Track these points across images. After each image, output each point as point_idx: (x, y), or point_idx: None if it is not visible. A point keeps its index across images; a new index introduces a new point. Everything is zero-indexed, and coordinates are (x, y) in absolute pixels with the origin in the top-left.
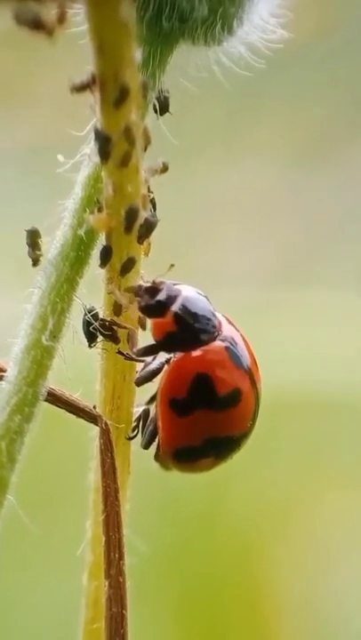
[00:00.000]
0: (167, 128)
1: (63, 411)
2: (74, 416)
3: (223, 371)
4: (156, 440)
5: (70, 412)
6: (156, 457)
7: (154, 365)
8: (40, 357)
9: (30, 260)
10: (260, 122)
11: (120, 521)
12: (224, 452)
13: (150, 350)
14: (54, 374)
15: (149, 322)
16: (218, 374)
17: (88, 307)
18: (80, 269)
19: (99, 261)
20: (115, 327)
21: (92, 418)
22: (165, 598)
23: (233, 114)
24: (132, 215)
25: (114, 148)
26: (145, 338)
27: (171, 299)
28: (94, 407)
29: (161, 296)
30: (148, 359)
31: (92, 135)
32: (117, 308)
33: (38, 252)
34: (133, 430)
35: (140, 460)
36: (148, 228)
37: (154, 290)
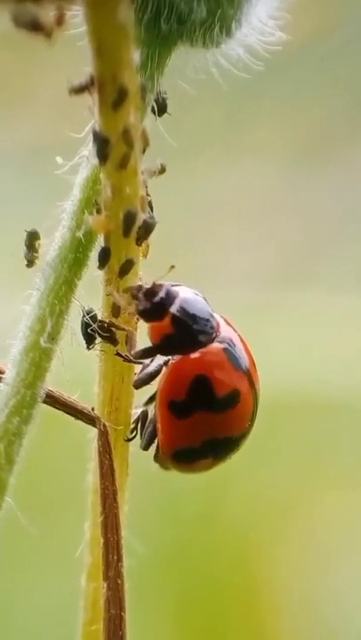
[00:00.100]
0: (166, 129)
1: (61, 412)
2: (72, 418)
3: (222, 372)
4: (156, 441)
5: (69, 413)
6: (156, 458)
7: (152, 368)
8: (38, 359)
9: (27, 261)
10: (258, 123)
11: (118, 523)
12: (223, 452)
13: (148, 352)
14: (53, 376)
15: (147, 325)
16: (216, 376)
17: (86, 308)
18: (78, 271)
19: (97, 263)
20: (113, 329)
21: (90, 420)
22: (164, 600)
23: (232, 115)
24: (130, 218)
25: (112, 149)
26: (144, 339)
27: (169, 301)
28: (93, 409)
29: (159, 298)
30: (147, 361)
31: (91, 137)
32: (116, 310)
33: (35, 254)
34: (132, 432)
35: (138, 461)
36: (147, 229)
37: (152, 292)
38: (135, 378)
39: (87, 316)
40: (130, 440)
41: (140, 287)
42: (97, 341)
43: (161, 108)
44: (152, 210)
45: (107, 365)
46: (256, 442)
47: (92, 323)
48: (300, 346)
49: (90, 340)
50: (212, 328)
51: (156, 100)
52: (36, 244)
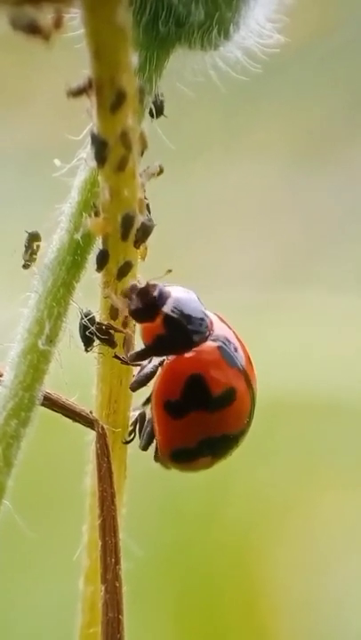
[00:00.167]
0: (164, 132)
1: (60, 415)
2: (70, 420)
3: (217, 371)
4: (155, 441)
5: (67, 416)
6: (156, 458)
7: (148, 369)
8: (36, 362)
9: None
10: (257, 125)
11: (116, 525)
12: (222, 450)
13: (143, 354)
14: (51, 378)
15: (139, 326)
16: (211, 374)
17: (85, 311)
18: (77, 273)
19: (95, 266)
20: (111, 331)
21: (88, 422)
22: (162, 602)
23: (230, 118)
24: (128, 221)
25: (110, 152)
26: (141, 342)
27: (161, 301)
28: (91, 411)
29: (151, 298)
30: (144, 362)
31: (89, 139)
32: (114, 312)
33: (33, 256)
34: (130, 434)
35: (136, 463)
36: (145, 232)
37: (144, 292)
38: (132, 380)
39: (85, 319)
40: (128, 442)
41: (132, 287)
42: (95, 344)
43: (158, 109)
44: (150, 212)
45: (105, 368)
46: (255, 442)
47: (90, 325)
48: (300, 346)
49: (88, 342)
50: (206, 327)
51: (154, 102)
52: (35, 246)
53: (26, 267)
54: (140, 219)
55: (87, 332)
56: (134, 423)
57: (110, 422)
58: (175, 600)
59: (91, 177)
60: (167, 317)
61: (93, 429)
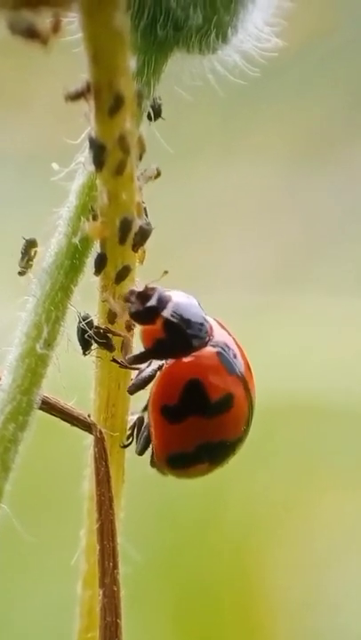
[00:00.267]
0: (162, 135)
1: (57, 419)
2: (68, 424)
3: (215, 376)
4: (151, 446)
5: (65, 420)
6: (152, 463)
7: (146, 373)
8: (34, 365)
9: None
10: (256, 127)
11: (114, 529)
12: (218, 457)
13: (142, 358)
14: (48, 382)
15: (139, 329)
16: (209, 380)
17: (83, 315)
18: (74, 277)
19: (93, 269)
20: (109, 335)
21: (86, 426)
22: (161, 606)
23: (228, 121)
24: (126, 225)
25: (108, 156)
26: (140, 346)
27: (161, 305)
28: (89, 415)
29: (151, 302)
30: (143, 366)
31: (87, 143)
32: (112, 316)
33: (29, 263)
34: (128, 438)
35: (134, 467)
36: (143, 236)
37: (144, 296)
38: (130, 383)
39: (83, 323)
40: (126, 446)
41: (132, 291)
42: (93, 347)
43: (156, 113)
44: (147, 216)
45: (103, 372)
46: (254, 444)
47: (88, 329)
48: (300, 347)
49: (86, 346)
50: (205, 332)
51: (152, 106)
52: (32, 253)
53: (22, 273)
54: (138, 222)
55: (85, 336)
56: (132, 427)
57: (108, 426)
58: (173, 604)
59: (89, 181)
60: (167, 321)
61: (91, 433)
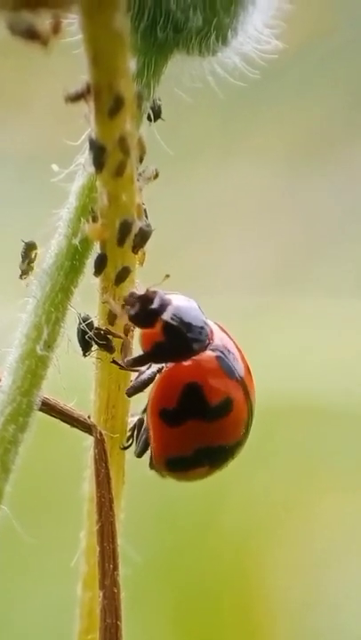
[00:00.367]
0: (162, 137)
1: (57, 420)
2: (68, 425)
3: (214, 380)
4: (150, 449)
5: (65, 421)
6: (151, 465)
7: (145, 375)
8: (34, 367)
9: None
10: (256, 129)
11: (114, 531)
12: (217, 461)
13: (141, 361)
14: (49, 384)
15: (139, 332)
16: (209, 384)
17: (83, 316)
18: (75, 278)
19: (93, 270)
20: (109, 336)
21: (86, 427)
22: (161, 608)
23: (228, 123)
24: (125, 228)
25: (108, 157)
26: (139, 347)
27: (161, 308)
28: (89, 417)
29: (151, 305)
30: (143, 368)
31: (87, 145)
32: (112, 318)
33: (30, 265)
34: (128, 440)
35: (134, 469)
36: (143, 237)
37: (144, 299)
38: (129, 386)
39: (83, 324)
40: (126, 448)
41: (132, 294)
42: (93, 349)
43: (156, 115)
44: (147, 217)
45: (103, 373)
46: (254, 446)
47: (88, 330)
48: (300, 348)
49: (86, 347)
50: (205, 335)
51: (152, 107)
52: (32, 255)
53: (23, 277)
54: (138, 224)
55: (85, 337)
56: (132, 429)
57: (108, 428)
58: (174, 605)
59: (89, 182)
60: (167, 325)
61: (91, 435)
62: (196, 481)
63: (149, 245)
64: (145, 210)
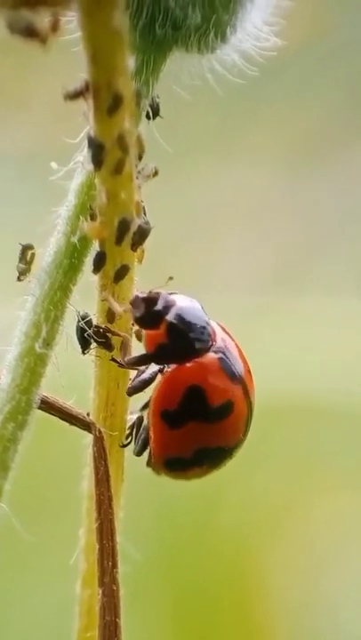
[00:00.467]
0: (161, 135)
1: (57, 418)
2: (67, 423)
3: (216, 383)
4: (149, 448)
5: (64, 419)
6: (149, 464)
7: (146, 375)
8: (33, 365)
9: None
10: (255, 127)
11: (113, 529)
12: (216, 461)
13: (143, 360)
14: (48, 381)
15: (143, 334)
16: (211, 387)
17: (82, 314)
18: (73, 277)
19: (92, 268)
20: (108, 334)
21: (85, 425)
22: (159, 606)
23: (227, 120)
24: (124, 226)
25: (107, 155)
26: (139, 345)
27: (166, 310)
28: (88, 414)
29: (156, 307)
30: (142, 368)
31: (86, 143)
32: (111, 315)
33: (27, 267)
34: (127, 438)
35: (134, 466)
36: (142, 235)
37: (149, 300)
38: (129, 385)
39: (82, 322)
40: (125, 446)
41: (137, 296)
42: (92, 347)
43: (154, 112)
44: (146, 215)
45: (102, 371)
46: (253, 445)
47: (87, 328)
48: (300, 348)
49: (85, 345)
50: (209, 337)
51: (151, 105)
52: (29, 256)
53: (21, 279)
54: (136, 222)
55: (84, 335)
56: (131, 427)
57: (107, 425)
58: (173, 603)
59: (88, 180)
60: (171, 326)
61: (90, 432)
62: (192, 479)
63: (149, 244)
64: (144, 207)
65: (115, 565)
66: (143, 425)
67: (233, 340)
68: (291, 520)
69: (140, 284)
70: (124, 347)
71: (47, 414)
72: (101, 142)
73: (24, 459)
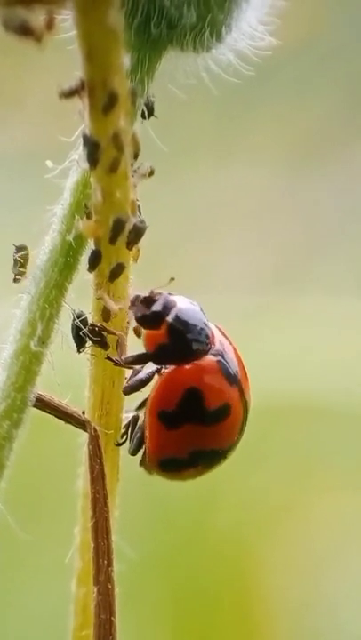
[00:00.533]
0: (156, 134)
1: (52, 416)
2: (62, 422)
3: (215, 386)
4: (143, 447)
5: (59, 417)
6: (142, 463)
7: (143, 375)
8: (29, 363)
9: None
10: (250, 126)
11: (109, 527)
12: (210, 463)
13: (141, 359)
14: (43, 380)
15: (143, 333)
16: (209, 389)
17: (77, 312)
18: (69, 275)
19: (87, 266)
20: (104, 333)
21: (80, 424)
22: (155, 605)
23: (222, 120)
24: (118, 226)
25: (103, 154)
26: (134, 344)
27: (166, 311)
28: (83, 413)
29: (157, 308)
30: (138, 366)
31: (81, 141)
32: (106, 314)
33: (22, 269)
34: (122, 436)
35: (129, 465)
36: (137, 233)
37: (150, 301)
38: (125, 384)
39: (78, 320)
40: (120, 444)
41: (137, 296)
42: (87, 345)
43: (149, 111)
44: (141, 214)
45: (97, 369)
46: (252, 445)
47: (82, 326)
48: (300, 348)
49: (80, 343)
50: (207, 338)
51: (146, 104)
52: (24, 257)
53: (16, 281)
54: (132, 220)
55: (80, 334)
56: (127, 425)
57: (103, 424)
58: (169, 602)
59: (83, 179)
60: (171, 327)
61: (86, 431)
62: (186, 480)
63: (148, 244)
64: (139, 206)
65: (110, 564)
66: (138, 424)
67: (230, 343)
68: (291, 520)
69: (139, 285)
70: (120, 345)
71: (42, 412)
72: (97, 141)
73: (19, 457)
